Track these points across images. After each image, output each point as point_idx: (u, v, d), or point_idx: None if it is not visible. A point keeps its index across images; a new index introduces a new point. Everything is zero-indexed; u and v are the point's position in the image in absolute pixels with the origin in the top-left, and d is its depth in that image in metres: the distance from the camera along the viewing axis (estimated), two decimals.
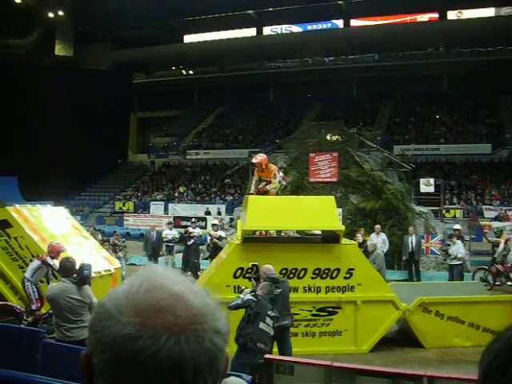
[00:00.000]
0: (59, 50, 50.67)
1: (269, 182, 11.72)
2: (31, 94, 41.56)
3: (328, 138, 21.77)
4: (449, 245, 16.67)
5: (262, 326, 7.39)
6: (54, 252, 10.24)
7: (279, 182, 11.96)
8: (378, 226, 17.58)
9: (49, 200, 21.75)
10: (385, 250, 17.08)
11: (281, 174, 12.61)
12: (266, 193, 11.62)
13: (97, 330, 0.87)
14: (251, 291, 7.87)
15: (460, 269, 16.07)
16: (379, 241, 17.13)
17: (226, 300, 7.48)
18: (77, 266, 7.73)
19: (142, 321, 0.84)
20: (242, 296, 7.65)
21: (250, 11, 50.74)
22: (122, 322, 0.85)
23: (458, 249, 15.99)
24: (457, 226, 17.41)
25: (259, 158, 12.19)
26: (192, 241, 17.31)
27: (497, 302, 11.29)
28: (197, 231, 18.17)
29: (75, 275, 7.61)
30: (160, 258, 18.82)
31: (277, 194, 11.90)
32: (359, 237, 15.03)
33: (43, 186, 34.48)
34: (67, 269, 7.59)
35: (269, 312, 7.50)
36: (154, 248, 18.67)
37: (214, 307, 0.90)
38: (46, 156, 40.90)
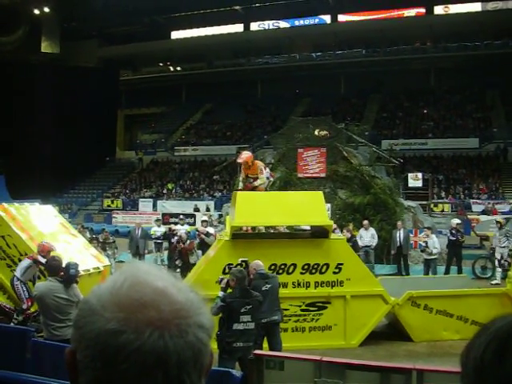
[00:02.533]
0: (45, 46, 50.27)
1: (256, 179, 11.59)
2: (18, 92, 41.26)
3: (316, 133, 21.80)
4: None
5: (236, 326, 7.30)
6: (45, 251, 10.18)
7: (267, 178, 11.84)
8: (366, 222, 17.65)
9: (36, 198, 21.59)
10: (374, 245, 17.22)
11: (267, 170, 12.46)
12: (254, 189, 11.51)
13: (81, 325, 0.87)
14: (222, 289, 7.73)
15: (435, 263, 16.27)
16: (368, 236, 17.23)
17: (212, 296, 7.46)
18: (63, 265, 7.68)
19: (125, 316, 0.84)
20: (220, 295, 7.57)
21: (237, 7, 50.64)
22: (105, 317, 0.85)
23: (433, 243, 16.21)
24: (456, 221, 17.61)
25: (244, 156, 11.87)
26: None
27: (485, 295, 11.37)
28: (184, 228, 18.12)
29: (62, 274, 7.56)
30: (148, 255, 18.76)
31: (265, 190, 11.84)
32: (345, 232, 15.09)
33: (31, 185, 34.36)
34: (53, 267, 7.55)
35: (242, 310, 7.35)
36: (138, 246, 18.58)
37: (197, 302, 0.91)
38: (34, 154, 40.69)
